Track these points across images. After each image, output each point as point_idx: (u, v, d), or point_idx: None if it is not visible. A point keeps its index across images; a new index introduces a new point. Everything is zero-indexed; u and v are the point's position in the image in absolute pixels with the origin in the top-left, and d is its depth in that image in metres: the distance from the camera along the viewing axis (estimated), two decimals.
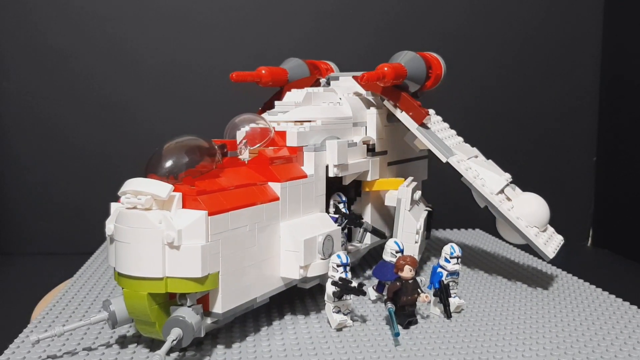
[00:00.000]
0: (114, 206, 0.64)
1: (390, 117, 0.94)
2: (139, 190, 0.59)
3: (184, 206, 0.60)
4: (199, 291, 0.60)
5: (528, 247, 0.93)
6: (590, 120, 1.37)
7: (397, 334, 0.65)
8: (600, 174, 1.38)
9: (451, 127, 0.95)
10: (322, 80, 0.97)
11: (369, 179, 0.89)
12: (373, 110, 0.92)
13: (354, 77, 0.93)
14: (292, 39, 1.30)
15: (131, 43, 1.27)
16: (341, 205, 0.83)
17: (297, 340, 0.67)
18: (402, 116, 0.89)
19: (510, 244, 1.08)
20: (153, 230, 0.58)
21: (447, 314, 0.74)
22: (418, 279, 0.72)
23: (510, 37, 1.35)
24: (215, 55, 1.28)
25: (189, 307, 0.60)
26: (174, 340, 0.57)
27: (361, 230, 0.86)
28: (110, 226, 0.62)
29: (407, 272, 0.71)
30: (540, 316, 0.74)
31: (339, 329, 0.70)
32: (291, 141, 0.77)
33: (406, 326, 0.71)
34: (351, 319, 0.72)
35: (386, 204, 0.89)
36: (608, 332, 0.69)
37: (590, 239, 1.40)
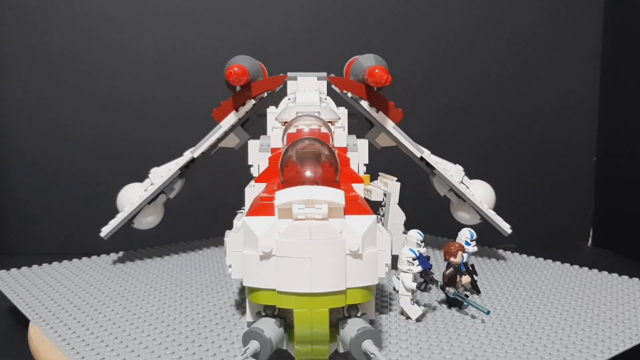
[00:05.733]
0: (253, 220, 0.56)
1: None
2: (315, 199, 0.54)
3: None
4: (370, 299, 0.58)
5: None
6: (590, 120, 1.38)
7: (488, 312, 0.72)
8: (600, 174, 1.37)
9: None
10: None
11: None
12: (344, 110, 0.94)
13: (329, 78, 0.94)
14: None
15: (131, 42, 1.29)
16: None
17: (405, 335, 0.69)
18: (379, 116, 0.94)
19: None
20: (337, 240, 0.54)
21: (477, 289, 0.83)
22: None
23: (510, 37, 1.36)
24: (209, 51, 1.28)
25: (359, 317, 0.57)
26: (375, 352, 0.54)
27: None
28: (267, 242, 0.54)
29: (459, 257, 0.78)
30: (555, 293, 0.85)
31: (419, 319, 0.73)
32: (340, 142, 0.76)
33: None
34: None
35: (372, 199, 0.93)
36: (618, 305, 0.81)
37: (590, 239, 1.41)
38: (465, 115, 1.35)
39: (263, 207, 0.58)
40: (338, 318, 0.58)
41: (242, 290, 0.85)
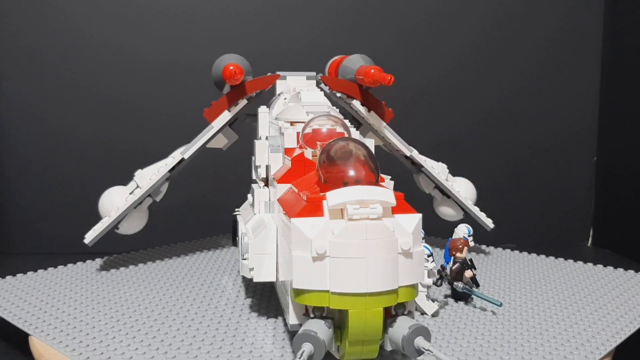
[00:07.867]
0: (302, 222, 0.55)
1: None
2: (370, 199, 0.54)
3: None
4: (415, 297, 0.59)
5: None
6: (590, 120, 1.38)
7: (500, 304, 0.75)
8: (600, 174, 1.37)
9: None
10: None
11: None
12: (334, 109, 0.95)
13: (322, 78, 0.94)
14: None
15: (132, 41, 1.28)
16: None
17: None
18: (371, 115, 0.95)
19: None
20: (391, 239, 0.55)
21: (476, 283, 0.86)
22: None
23: (510, 37, 1.34)
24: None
25: (405, 315, 0.58)
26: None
27: None
28: (321, 244, 0.54)
29: (464, 253, 0.81)
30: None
31: (436, 315, 0.75)
32: None
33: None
34: None
35: None
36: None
37: (590, 239, 1.41)
38: (465, 115, 1.36)
39: (310, 208, 0.57)
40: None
41: (247, 290, 0.84)
